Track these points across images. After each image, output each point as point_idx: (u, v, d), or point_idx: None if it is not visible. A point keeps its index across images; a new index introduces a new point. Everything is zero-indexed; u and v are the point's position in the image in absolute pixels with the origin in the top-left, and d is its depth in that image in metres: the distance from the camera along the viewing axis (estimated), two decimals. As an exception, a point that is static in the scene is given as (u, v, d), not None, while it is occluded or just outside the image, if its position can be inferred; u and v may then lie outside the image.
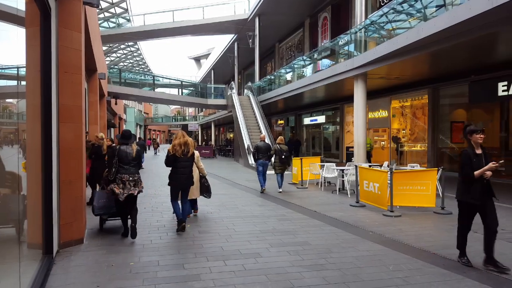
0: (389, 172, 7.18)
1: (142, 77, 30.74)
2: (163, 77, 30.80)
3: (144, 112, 69.42)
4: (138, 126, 53.62)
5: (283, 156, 10.06)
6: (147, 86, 28.34)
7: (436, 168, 7.83)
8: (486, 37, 8.18)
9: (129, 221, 5.60)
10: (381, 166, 10.33)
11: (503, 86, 10.80)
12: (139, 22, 29.00)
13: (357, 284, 3.84)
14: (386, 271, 4.19)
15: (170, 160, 5.97)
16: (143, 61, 46.02)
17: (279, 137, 10.76)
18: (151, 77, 30.06)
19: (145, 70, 48.67)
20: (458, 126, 13.92)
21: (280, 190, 10.34)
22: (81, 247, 5.11)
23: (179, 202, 6.15)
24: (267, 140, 11.68)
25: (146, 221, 6.74)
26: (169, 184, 6.10)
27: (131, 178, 5.48)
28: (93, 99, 13.30)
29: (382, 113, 16.79)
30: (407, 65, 11.77)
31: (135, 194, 5.53)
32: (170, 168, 6.05)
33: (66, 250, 4.96)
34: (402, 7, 11.49)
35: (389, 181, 7.14)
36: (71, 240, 5.14)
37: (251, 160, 17.65)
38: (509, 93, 10.61)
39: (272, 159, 10.89)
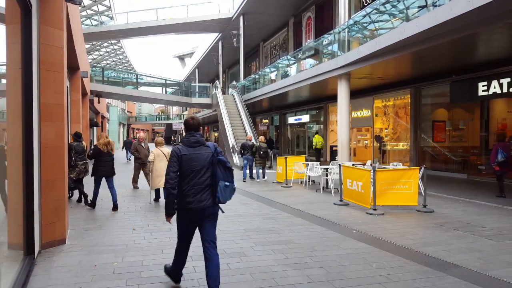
0: (372, 171, 7.30)
1: (126, 76, 30.32)
2: (146, 76, 30.49)
3: (127, 111, 68.43)
4: (122, 125, 52.84)
5: (261, 152, 12.18)
6: (131, 85, 27.96)
7: (418, 167, 8.01)
8: (466, 37, 8.39)
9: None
10: (364, 165, 10.49)
11: (483, 86, 11.11)
12: (122, 20, 28.66)
13: (341, 282, 3.90)
14: (369, 269, 4.26)
15: (95, 154, 7.74)
16: (127, 59, 45.40)
17: (261, 136, 13.07)
18: (134, 76, 29.65)
19: (129, 68, 48.02)
20: (440, 125, 14.27)
21: (258, 180, 12.46)
22: (63, 248, 5.02)
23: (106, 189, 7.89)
24: (253, 140, 13.25)
25: (129, 221, 6.67)
26: (92, 175, 7.80)
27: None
28: (76, 98, 13.06)
29: (365, 113, 17.04)
30: (390, 65, 11.98)
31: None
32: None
33: (48, 251, 4.87)
34: (385, 7, 11.68)
35: (372, 180, 7.26)
36: (53, 240, 5.04)
37: (235, 159, 17.65)
38: (489, 93, 10.92)
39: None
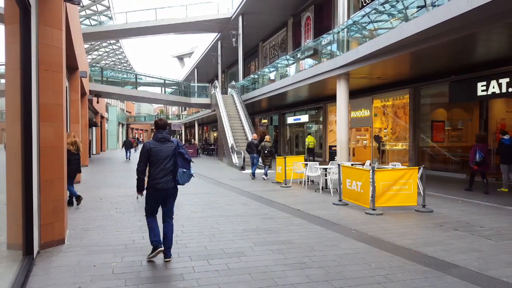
0: (371, 171, 7.30)
1: (125, 76, 30.31)
2: (146, 76, 30.42)
3: (126, 111, 68.39)
4: (121, 125, 52.82)
5: (266, 152, 12.79)
6: (130, 85, 27.94)
7: (417, 167, 8.01)
8: (465, 37, 8.40)
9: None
10: (363, 165, 10.50)
11: (482, 86, 11.12)
12: (121, 20, 28.59)
13: (340, 282, 3.90)
14: (369, 269, 4.27)
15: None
16: (126, 59, 45.35)
17: (266, 136, 13.34)
18: (133, 76, 29.64)
19: (128, 68, 47.98)
20: (439, 125, 14.29)
21: (264, 177, 12.92)
22: (62, 248, 5.02)
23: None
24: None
25: (128, 221, 6.66)
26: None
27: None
28: (75, 98, 13.05)
29: (364, 113, 17.05)
30: (389, 65, 11.98)
31: None
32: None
33: (47, 251, 4.86)
34: (384, 7, 11.69)
35: (371, 180, 7.26)
36: (52, 240, 5.04)
37: (235, 159, 17.65)
38: (488, 93, 10.93)
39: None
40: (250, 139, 13.91)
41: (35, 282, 3.87)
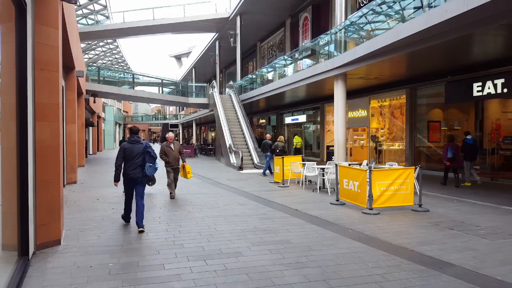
0: (368, 171, 7.32)
1: (122, 75, 30.12)
2: (143, 75, 30.29)
3: (123, 111, 68.20)
4: (118, 125, 52.68)
5: (277, 151, 13.47)
6: (127, 84, 27.80)
7: (414, 167, 8.04)
8: (461, 38, 8.43)
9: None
10: (360, 164, 10.53)
11: (477, 86, 11.16)
12: (118, 19, 28.45)
13: (337, 281, 3.91)
14: (365, 268, 4.28)
15: None
16: (123, 58, 45.17)
17: (280, 136, 14.50)
18: (130, 75, 29.48)
19: (125, 68, 47.81)
20: (435, 126, 14.34)
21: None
22: (58, 249, 5.00)
23: None
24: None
25: (125, 222, 6.64)
26: None
27: None
28: (71, 97, 12.99)
29: (362, 113, 17.09)
30: (386, 66, 12.01)
31: None
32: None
33: (42, 252, 4.84)
34: (381, 8, 11.71)
35: (368, 180, 7.28)
36: (48, 241, 5.02)
37: (232, 159, 17.64)
38: (484, 93, 10.98)
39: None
40: (265, 139, 15.25)
41: (30, 284, 3.86)
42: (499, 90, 10.52)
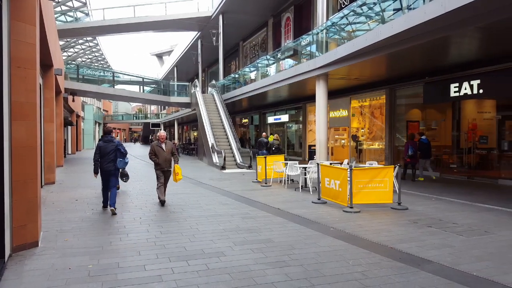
0: (348, 170, 7.43)
1: (102, 74, 29.53)
2: (123, 74, 29.77)
3: (103, 110, 66.90)
4: (97, 124, 51.64)
5: (273, 148, 14.53)
6: (107, 83, 27.29)
7: (393, 166, 8.21)
8: (439, 40, 8.65)
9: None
10: (341, 163, 10.67)
11: (454, 87, 11.49)
12: (98, 17, 27.94)
13: (319, 279, 3.95)
14: (346, 266, 4.35)
15: None
16: (103, 56, 44.30)
17: (275, 134, 16.09)
18: (111, 74, 28.95)
19: (105, 66, 46.88)
20: (414, 125, 14.67)
21: None
22: (36, 251, 4.87)
23: None
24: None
25: (105, 223, 6.54)
26: None
27: None
28: (49, 96, 12.66)
29: (343, 113, 17.32)
30: (366, 66, 12.21)
31: None
32: None
33: (19, 254, 4.70)
34: (362, 9, 11.88)
35: (349, 178, 7.39)
36: (25, 243, 4.88)
37: (215, 159, 17.57)
38: (460, 94, 11.31)
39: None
40: (261, 137, 16.14)
41: (6, 287, 3.74)
42: (475, 91, 10.85)
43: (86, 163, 20.71)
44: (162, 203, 8.09)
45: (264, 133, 17.25)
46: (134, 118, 76.28)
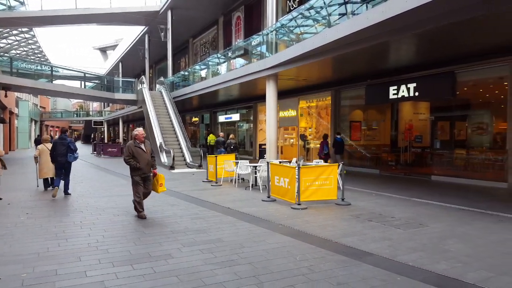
0: (296, 168, 7.62)
1: (39, 67, 27.43)
2: (63, 68, 27.88)
3: (40, 106, 62.28)
4: (33, 122, 48.02)
5: (232, 147, 14.68)
6: (44, 77, 25.39)
7: (337, 164, 8.56)
8: (380, 45, 9.15)
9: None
10: (290, 162, 10.91)
11: (393, 90, 12.26)
12: (35, 7, 25.94)
13: (267, 276, 4.01)
14: (294, 261, 4.45)
15: None
16: (40, 49, 41.20)
17: (231, 135, 15.88)
18: (48, 68, 26.96)
19: (42, 59, 43.67)
20: (356, 125, 15.43)
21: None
22: (-41, 262, 4.41)
23: None
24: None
25: (41, 227, 6.09)
26: None
27: None
28: (-25, 90, 11.52)
29: (291, 113, 17.74)
30: (314, 68, 12.60)
31: None
32: None
33: None
34: (310, 13, 12.23)
35: (297, 176, 7.58)
36: None
37: (163, 159, 17.13)
38: (398, 96, 12.11)
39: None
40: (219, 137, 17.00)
41: None
42: (411, 94, 11.66)
43: (21, 163, 19.15)
44: (142, 216, 6.69)
45: (221, 133, 18.19)
46: (75, 115, 71.86)
